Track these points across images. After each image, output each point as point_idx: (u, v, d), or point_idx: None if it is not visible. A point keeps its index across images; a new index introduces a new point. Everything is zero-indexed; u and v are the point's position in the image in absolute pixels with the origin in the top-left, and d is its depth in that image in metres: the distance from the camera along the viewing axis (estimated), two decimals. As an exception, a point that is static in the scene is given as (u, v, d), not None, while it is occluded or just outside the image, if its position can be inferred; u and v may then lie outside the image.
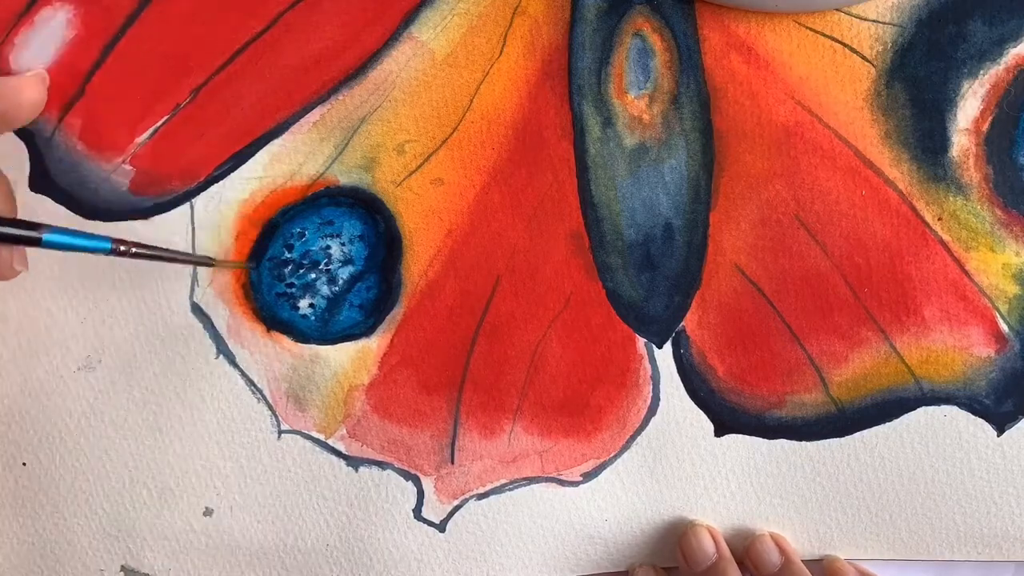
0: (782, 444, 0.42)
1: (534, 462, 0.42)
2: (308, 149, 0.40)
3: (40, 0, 0.40)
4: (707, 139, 0.41)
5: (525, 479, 0.42)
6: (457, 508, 0.42)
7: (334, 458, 0.42)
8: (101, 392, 0.41)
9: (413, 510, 0.42)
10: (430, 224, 0.41)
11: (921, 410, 0.42)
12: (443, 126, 0.41)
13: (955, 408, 0.42)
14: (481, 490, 0.42)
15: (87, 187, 0.40)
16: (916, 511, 0.42)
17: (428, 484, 0.42)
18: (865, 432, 0.42)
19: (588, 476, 0.42)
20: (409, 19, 0.40)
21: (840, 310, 0.41)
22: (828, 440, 0.42)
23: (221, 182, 0.41)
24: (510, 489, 0.42)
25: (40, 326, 0.41)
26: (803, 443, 0.42)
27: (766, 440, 0.42)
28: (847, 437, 0.42)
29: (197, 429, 0.42)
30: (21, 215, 0.40)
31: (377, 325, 0.41)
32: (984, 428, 0.42)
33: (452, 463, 0.42)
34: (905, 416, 0.42)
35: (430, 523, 0.42)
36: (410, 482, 0.42)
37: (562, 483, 0.42)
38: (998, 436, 0.42)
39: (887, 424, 0.42)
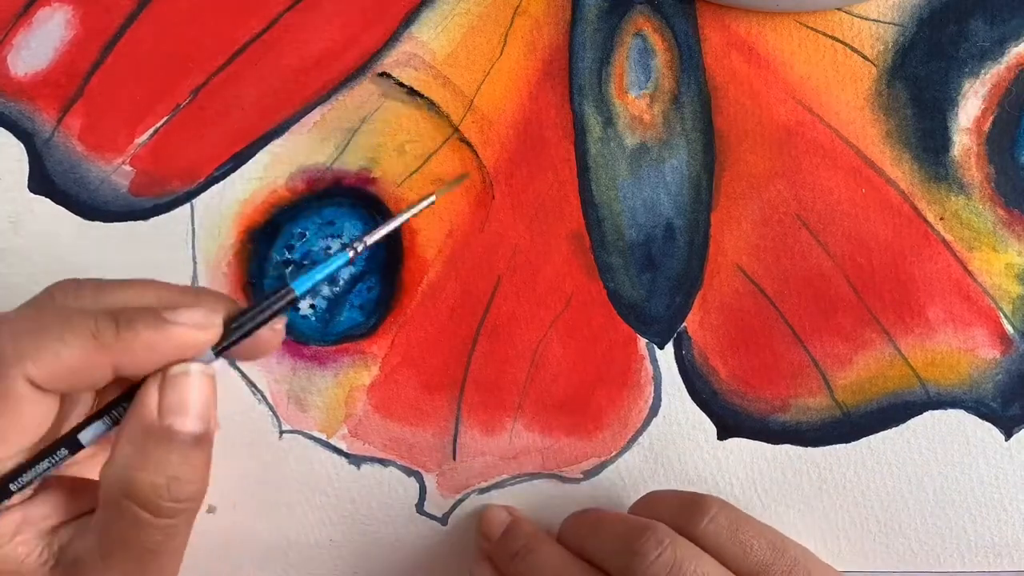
0: (787, 450, 0.42)
1: (535, 459, 0.42)
2: (309, 149, 0.41)
3: (39, 0, 0.40)
4: (708, 139, 0.41)
5: (526, 475, 0.42)
6: (459, 502, 0.42)
7: (336, 456, 0.42)
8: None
9: (416, 504, 0.42)
10: (430, 224, 0.41)
11: (928, 414, 0.41)
12: (443, 126, 0.41)
13: (962, 412, 0.41)
14: (483, 485, 0.42)
15: (86, 188, 0.40)
16: (926, 520, 0.42)
17: (430, 480, 0.42)
18: (872, 438, 0.41)
19: (589, 474, 0.42)
20: (409, 19, 0.40)
21: (843, 311, 0.41)
22: (834, 446, 0.42)
23: (221, 182, 0.41)
24: (511, 484, 0.42)
25: (39, 328, 0.41)
26: (808, 449, 0.42)
27: (770, 445, 0.42)
28: (853, 443, 0.42)
29: (197, 429, 0.41)
30: (18, 216, 0.40)
31: (378, 326, 0.41)
32: (992, 432, 0.41)
33: (454, 459, 0.42)
34: (912, 421, 0.41)
35: (432, 516, 0.42)
36: (412, 478, 0.42)
37: (563, 480, 0.42)
38: (1006, 440, 0.41)
39: (894, 429, 0.41)
